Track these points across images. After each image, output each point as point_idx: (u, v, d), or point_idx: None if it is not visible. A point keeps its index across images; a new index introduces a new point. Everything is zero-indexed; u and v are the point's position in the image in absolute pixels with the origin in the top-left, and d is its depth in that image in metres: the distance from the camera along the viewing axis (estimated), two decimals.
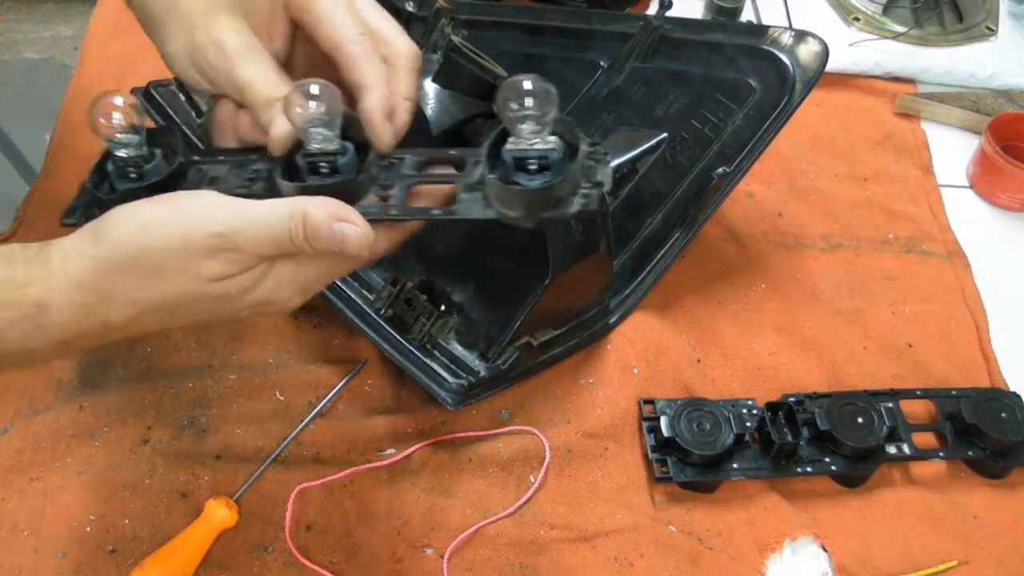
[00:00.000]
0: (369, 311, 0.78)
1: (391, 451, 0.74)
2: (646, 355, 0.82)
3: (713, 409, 0.76)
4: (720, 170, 0.80)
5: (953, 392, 0.82)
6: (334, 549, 0.69)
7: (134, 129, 0.50)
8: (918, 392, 0.82)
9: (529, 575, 0.69)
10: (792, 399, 0.78)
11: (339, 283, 0.80)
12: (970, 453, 0.78)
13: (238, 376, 0.77)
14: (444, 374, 0.75)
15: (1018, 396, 0.81)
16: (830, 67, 0.84)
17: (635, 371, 0.81)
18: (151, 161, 0.51)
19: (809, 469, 0.76)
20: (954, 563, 0.73)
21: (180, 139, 0.53)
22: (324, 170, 0.50)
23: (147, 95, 0.85)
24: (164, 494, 0.70)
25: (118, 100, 0.49)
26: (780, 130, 0.82)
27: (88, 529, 0.68)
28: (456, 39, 0.77)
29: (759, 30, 0.85)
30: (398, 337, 0.77)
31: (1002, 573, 0.73)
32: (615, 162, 0.81)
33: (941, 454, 0.79)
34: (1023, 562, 0.73)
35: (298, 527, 0.69)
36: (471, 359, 0.77)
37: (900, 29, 1.12)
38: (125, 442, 0.72)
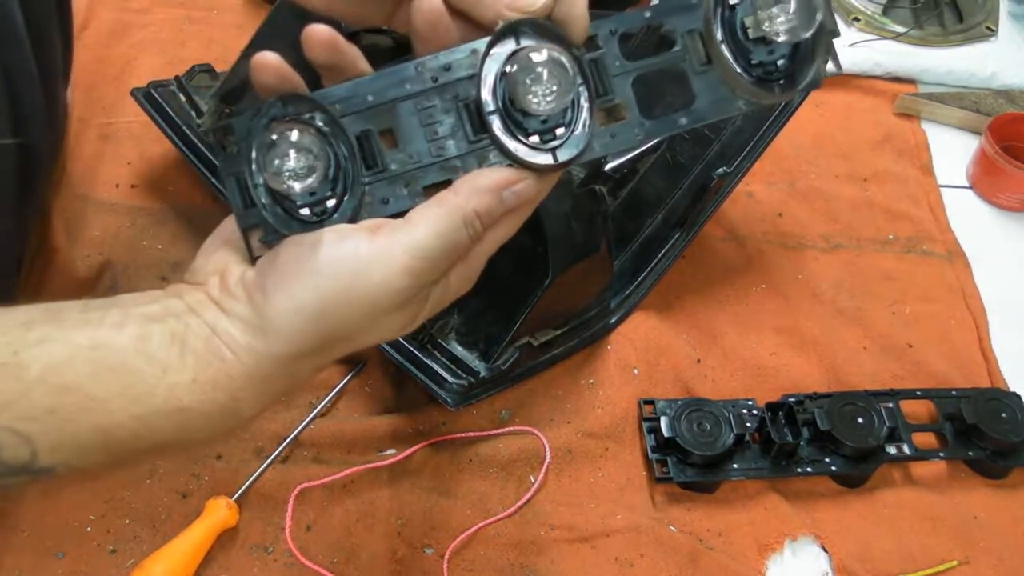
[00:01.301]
0: None
1: (391, 451, 0.74)
2: (646, 355, 0.82)
3: (713, 409, 0.76)
4: (720, 170, 0.80)
5: (953, 392, 0.82)
6: (334, 549, 0.69)
7: (311, 166, 0.41)
8: (918, 392, 0.82)
9: (529, 575, 0.69)
10: (792, 399, 0.78)
11: None
12: (970, 453, 0.78)
13: None
14: (444, 374, 0.75)
15: (1018, 396, 0.81)
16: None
17: (635, 371, 0.81)
18: (319, 158, 0.41)
19: (809, 469, 0.76)
20: (954, 563, 0.73)
21: (333, 115, 0.42)
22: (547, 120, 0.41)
23: (147, 95, 0.85)
24: (164, 494, 0.70)
25: (294, 136, 0.41)
26: (780, 130, 0.82)
27: (88, 529, 0.68)
28: None
29: None
30: (398, 337, 0.77)
31: (1002, 573, 0.73)
32: (615, 163, 0.81)
33: (941, 454, 0.79)
34: (1023, 562, 0.73)
35: (298, 527, 0.69)
36: (471, 359, 0.77)
37: (900, 29, 1.12)
38: None
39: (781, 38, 0.41)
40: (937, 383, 0.84)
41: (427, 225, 0.41)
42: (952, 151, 1.06)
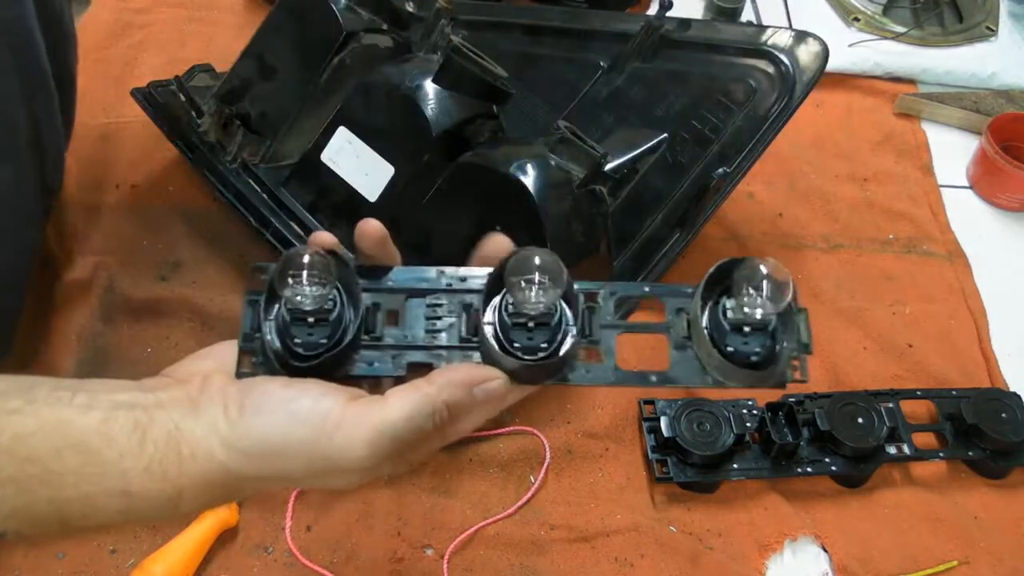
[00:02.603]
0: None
1: None
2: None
3: (713, 409, 0.76)
4: (720, 170, 0.80)
5: (953, 392, 0.82)
6: (334, 549, 0.69)
7: (324, 283, 0.44)
8: (918, 392, 0.82)
9: (529, 575, 0.69)
10: (792, 399, 0.78)
11: None
12: (970, 453, 0.78)
13: None
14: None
15: (1018, 396, 0.81)
16: (830, 67, 0.84)
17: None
18: (333, 307, 0.46)
19: (809, 469, 0.76)
20: (954, 563, 0.73)
21: (349, 266, 0.47)
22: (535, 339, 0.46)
23: (147, 95, 0.85)
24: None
25: (308, 259, 0.44)
26: (780, 130, 0.82)
27: None
28: (456, 40, 0.77)
29: (759, 31, 0.86)
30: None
31: (1002, 573, 0.73)
32: (615, 163, 0.81)
33: (941, 454, 0.79)
34: (1023, 562, 0.73)
35: (298, 527, 0.69)
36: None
37: (900, 29, 1.12)
38: None
39: (757, 315, 0.44)
40: (937, 383, 0.84)
41: (398, 407, 0.43)
42: (952, 151, 1.06)
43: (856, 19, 1.13)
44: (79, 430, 0.42)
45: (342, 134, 0.80)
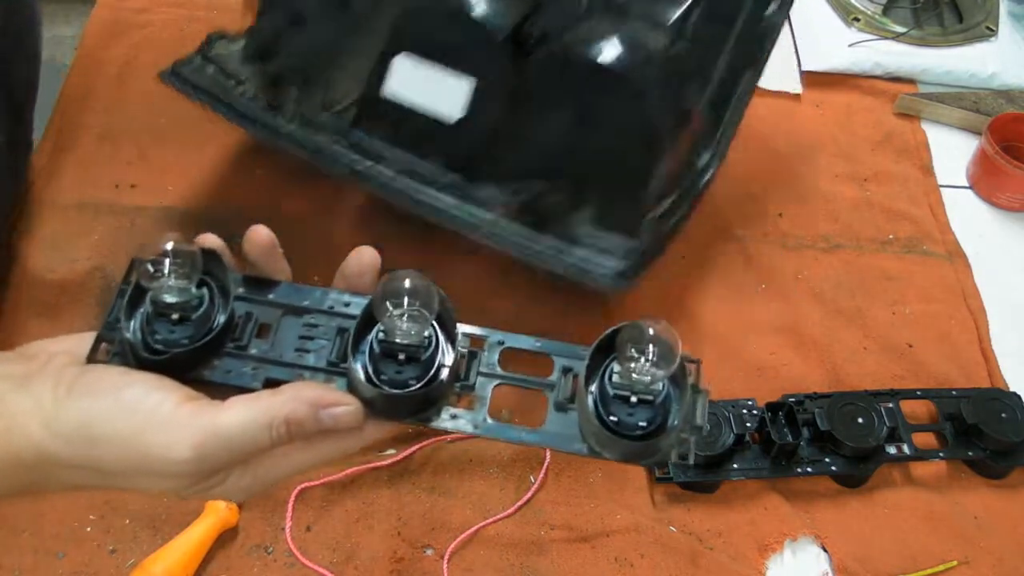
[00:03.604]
0: (498, 218, 0.75)
1: (391, 451, 0.74)
2: None
3: (713, 409, 0.76)
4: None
5: (953, 392, 0.82)
6: (334, 549, 0.69)
7: (187, 276, 0.44)
8: (918, 392, 0.82)
9: (529, 575, 0.69)
10: (792, 399, 0.78)
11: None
12: (970, 453, 0.78)
13: None
14: (599, 261, 0.73)
15: (1018, 396, 0.81)
16: (830, 67, 0.83)
17: None
18: (199, 305, 0.45)
19: (809, 469, 0.76)
20: (954, 563, 0.73)
21: (227, 269, 0.46)
22: (404, 369, 0.44)
23: (173, 74, 0.80)
24: (164, 494, 0.70)
25: (175, 247, 0.43)
26: None
27: (88, 529, 0.68)
28: None
29: None
30: (529, 242, 0.74)
31: (1002, 573, 0.73)
32: (676, 13, 0.78)
33: (941, 454, 0.79)
34: (1023, 562, 0.73)
35: (298, 527, 0.69)
36: (614, 244, 0.74)
37: (900, 29, 1.12)
38: None
39: (645, 380, 0.43)
40: (937, 383, 0.84)
41: (234, 414, 0.41)
42: (952, 151, 1.06)
43: (856, 19, 1.13)
44: None
45: (401, 64, 0.75)
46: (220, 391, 0.44)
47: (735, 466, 0.75)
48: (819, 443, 0.77)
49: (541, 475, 0.74)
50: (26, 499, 0.44)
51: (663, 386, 0.44)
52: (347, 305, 0.47)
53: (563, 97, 0.75)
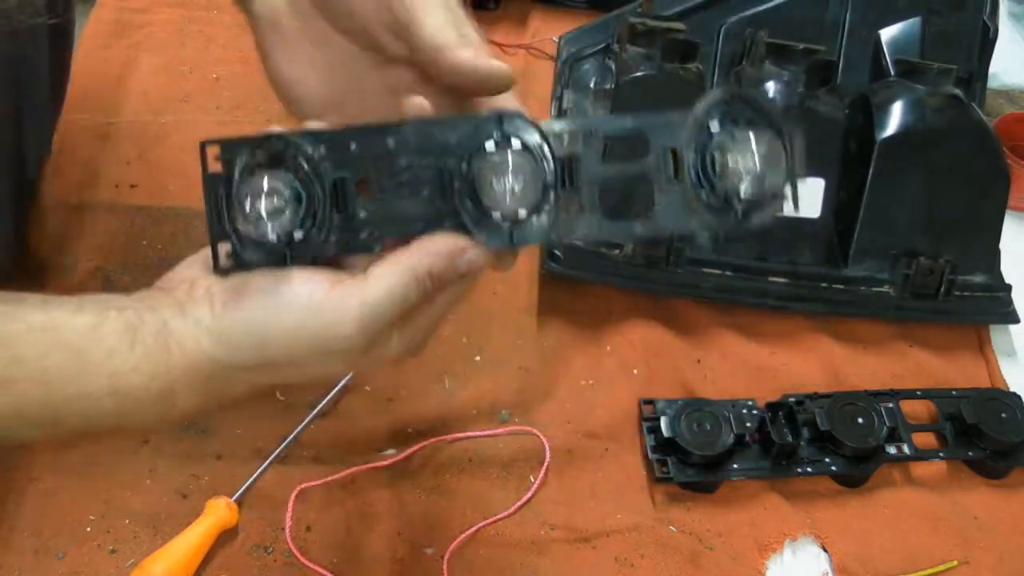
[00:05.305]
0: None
1: (391, 451, 0.74)
2: (646, 355, 0.82)
3: (713, 409, 0.76)
4: None
5: (953, 392, 0.82)
6: (334, 549, 0.69)
7: (280, 177, 0.44)
8: (918, 392, 0.82)
9: (529, 575, 0.69)
10: (792, 399, 0.78)
11: None
12: (970, 453, 0.78)
13: None
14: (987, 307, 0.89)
15: (1018, 396, 0.81)
16: None
17: (635, 371, 0.81)
18: (297, 191, 0.44)
19: (809, 469, 0.76)
20: (954, 563, 0.73)
21: (314, 157, 0.45)
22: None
23: (552, 259, 0.83)
24: (164, 494, 0.70)
25: (265, 184, 0.43)
26: None
27: (88, 529, 0.68)
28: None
29: None
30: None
31: (1002, 573, 0.73)
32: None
33: (941, 454, 0.79)
34: (1023, 562, 0.73)
35: (298, 527, 0.69)
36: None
37: None
38: (125, 442, 0.72)
39: (742, 184, 0.43)
40: (937, 383, 0.84)
41: (381, 281, 0.43)
42: None
43: None
44: (68, 331, 0.43)
45: None
46: (350, 261, 0.45)
47: (735, 466, 0.75)
48: (819, 443, 0.77)
49: (541, 475, 0.74)
50: (220, 409, 0.47)
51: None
52: (434, 137, 0.45)
53: (916, 171, 0.86)
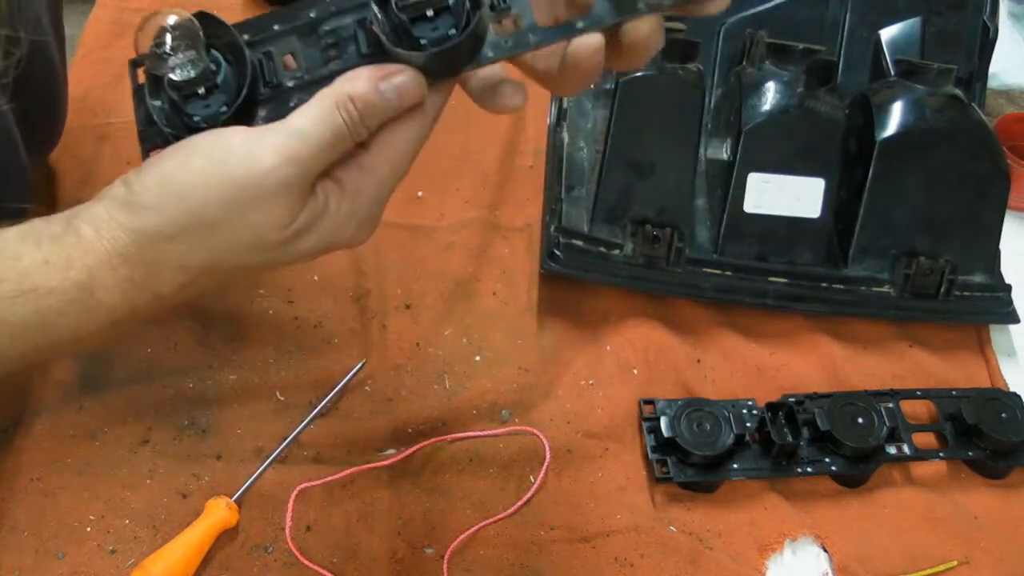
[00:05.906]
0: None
1: (391, 451, 0.74)
2: (646, 355, 0.82)
3: (713, 409, 0.76)
4: None
5: (953, 392, 0.82)
6: (334, 549, 0.69)
7: (193, 45, 0.43)
8: (918, 392, 0.82)
9: (529, 575, 0.69)
10: (792, 399, 0.78)
11: None
12: (970, 453, 0.78)
13: (238, 376, 0.77)
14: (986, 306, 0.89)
15: (1018, 396, 0.81)
16: None
17: (635, 371, 0.81)
18: (218, 72, 0.44)
19: (809, 469, 0.76)
20: (954, 563, 0.73)
21: (231, 29, 0.45)
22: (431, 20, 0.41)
23: (551, 259, 0.83)
24: (164, 494, 0.70)
25: (170, 20, 0.42)
26: None
27: (88, 529, 0.68)
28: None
29: None
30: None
31: (1002, 573, 0.73)
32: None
33: (941, 454, 0.79)
34: (1023, 562, 0.73)
35: (298, 527, 0.69)
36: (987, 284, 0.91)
37: None
38: (125, 442, 0.72)
39: None
40: (937, 383, 0.84)
41: (302, 111, 0.41)
42: None
43: None
44: None
45: (755, 180, 0.84)
46: None
47: (735, 466, 0.75)
48: (819, 443, 0.77)
49: (541, 475, 0.74)
50: (154, 309, 0.43)
51: None
52: None
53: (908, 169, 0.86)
